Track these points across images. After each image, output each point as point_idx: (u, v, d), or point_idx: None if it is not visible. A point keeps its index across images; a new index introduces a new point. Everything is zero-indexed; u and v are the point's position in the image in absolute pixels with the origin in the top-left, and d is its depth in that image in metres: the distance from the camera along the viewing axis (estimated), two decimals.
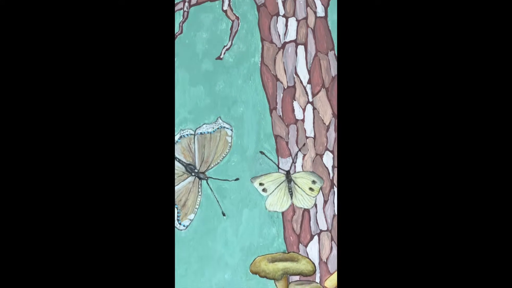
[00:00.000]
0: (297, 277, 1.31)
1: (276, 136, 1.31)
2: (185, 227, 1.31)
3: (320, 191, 1.28)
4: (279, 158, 1.30)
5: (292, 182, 1.29)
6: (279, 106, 1.31)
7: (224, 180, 1.31)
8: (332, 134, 1.27)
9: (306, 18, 1.29)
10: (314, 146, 1.29)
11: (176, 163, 1.31)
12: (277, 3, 1.30)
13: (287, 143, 1.29)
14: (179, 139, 1.32)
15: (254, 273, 1.28)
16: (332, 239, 1.26)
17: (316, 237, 1.27)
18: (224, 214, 1.30)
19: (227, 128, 1.31)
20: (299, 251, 1.29)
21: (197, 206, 1.31)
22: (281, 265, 1.27)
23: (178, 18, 1.33)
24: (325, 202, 1.27)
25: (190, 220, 1.30)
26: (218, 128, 1.32)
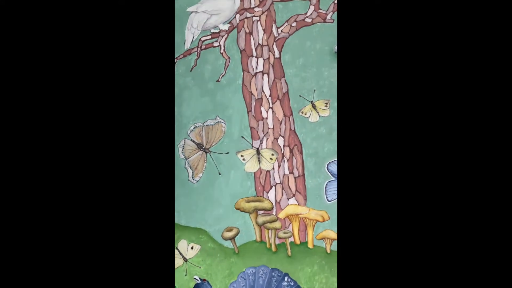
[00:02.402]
0: (262, 211, 1.65)
1: (251, 127, 1.71)
2: (196, 181, 1.71)
3: (276, 160, 1.69)
4: (253, 140, 1.70)
5: (260, 154, 1.68)
6: (253, 109, 1.70)
7: (220, 153, 1.70)
8: (283, 127, 1.67)
9: (268, 58, 1.69)
10: (273, 133, 1.69)
11: (191, 142, 1.70)
12: (252, 49, 1.69)
13: (257, 131, 1.70)
14: (193, 128, 1.71)
15: (237, 209, 1.67)
16: (283, 189, 1.66)
17: (273, 187, 1.68)
18: (219, 173, 1.70)
19: (222, 122, 1.71)
20: (263, 195, 1.68)
21: (204, 169, 1.71)
22: (253, 204, 1.65)
23: (194, 56, 1.71)
24: (279, 166, 1.69)
25: (199, 177, 1.71)
26: (217, 122, 1.71)
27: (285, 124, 1.68)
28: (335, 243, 1.62)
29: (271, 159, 1.68)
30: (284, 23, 1.68)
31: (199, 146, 1.71)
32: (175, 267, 1.67)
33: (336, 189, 1.63)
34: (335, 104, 1.65)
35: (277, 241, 1.64)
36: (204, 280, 1.63)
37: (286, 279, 1.60)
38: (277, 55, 1.69)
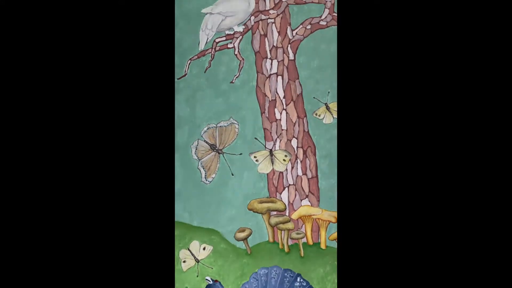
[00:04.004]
0: (275, 212, 1.67)
1: (264, 129, 1.71)
2: (209, 182, 1.70)
3: (289, 161, 1.70)
4: (266, 141, 1.71)
5: (273, 155, 1.68)
6: (266, 111, 1.71)
7: (233, 154, 1.70)
8: (297, 128, 1.69)
9: (283, 60, 1.70)
10: (286, 135, 1.70)
11: (204, 143, 1.70)
12: (266, 51, 1.70)
13: (270, 132, 1.71)
14: (207, 129, 1.70)
15: (250, 209, 1.67)
16: (296, 190, 1.68)
17: (286, 189, 1.69)
18: (232, 174, 1.70)
19: (235, 123, 1.71)
20: (276, 196, 1.69)
21: (217, 169, 1.72)
22: (265, 205, 1.66)
23: (208, 58, 1.71)
24: (292, 168, 1.70)
25: (212, 177, 1.71)
26: (230, 123, 1.71)
27: (298, 125, 1.70)
28: None
29: (284, 160, 1.69)
30: (299, 26, 1.69)
31: (212, 147, 1.71)
32: (186, 268, 1.67)
33: None
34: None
35: (290, 242, 1.66)
36: (216, 281, 1.63)
37: (298, 279, 1.60)
38: (291, 57, 1.70)
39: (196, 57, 1.73)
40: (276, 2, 1.69)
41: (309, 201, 1.68)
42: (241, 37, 1.70)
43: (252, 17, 1.69)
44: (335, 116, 1.68)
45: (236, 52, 1.70)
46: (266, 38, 1.70)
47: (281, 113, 1.71)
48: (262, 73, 1.72)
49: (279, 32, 1.70)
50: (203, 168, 1.71)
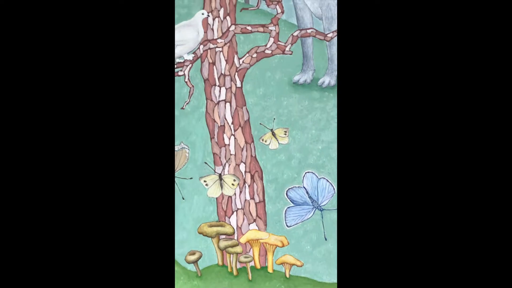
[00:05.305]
0: (224, 236, 1.68)
1: (214, 154, 1.76)
2: None
3: (237, 185, 1.74)
4: (215, 166, 1.76)
5: (222, 180, 1.73)
6: (215, 136, 1.76)
7: (183, 178, 1.74)
8: (245, 153, 1.73)
9: (230, 87, 1.76)
10: (235, 160, 1.75)
11: None
12: (215, 78, 1.76)
13: (219, 157, 1.76)
14: None
15: (200, 233, 1.70)
16: (244, 214, 1.71)
17: (235, 213, 1.73)
18: (183, 198, 1.74)
19: (186, 148, 1.75)
20: (225, 220, 1.74)
21: None
22: (215, 229, 1.69)
23: None
24: (240, 192, 1.74)
25: None
26: (181, 148, 1.75)
27: (246, 150, 1.73)
28: (294, 267, 1.66)
29: (233, 184, 1.72)
30: (245, 54, 1.74)
31: None
32: None
33: (295, 215, 1.68)
34: (294, 132, 1.71)
35: (238, 265, 1.68)
36: None
37: None
38: (238, 84, 1.75)
39: None
40: (224, 31, 1.73)
41: (256, 225, 1.71)
42: (190, 65, 1.73)
43: (201, 46, 1.73)
44: (281, 142, 1.72)
45: (186, 80, 1.74)
46: (214, 66, 1.75)
47: (229, 139, 1.75)
48: (211, 100, 1.77)
49: (226, 60, 1.75)
50: None
